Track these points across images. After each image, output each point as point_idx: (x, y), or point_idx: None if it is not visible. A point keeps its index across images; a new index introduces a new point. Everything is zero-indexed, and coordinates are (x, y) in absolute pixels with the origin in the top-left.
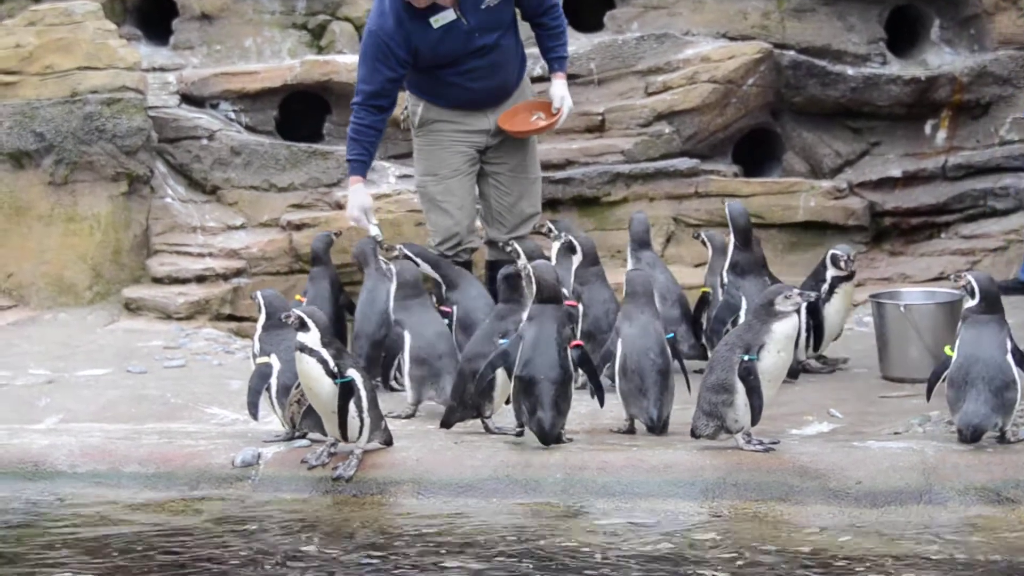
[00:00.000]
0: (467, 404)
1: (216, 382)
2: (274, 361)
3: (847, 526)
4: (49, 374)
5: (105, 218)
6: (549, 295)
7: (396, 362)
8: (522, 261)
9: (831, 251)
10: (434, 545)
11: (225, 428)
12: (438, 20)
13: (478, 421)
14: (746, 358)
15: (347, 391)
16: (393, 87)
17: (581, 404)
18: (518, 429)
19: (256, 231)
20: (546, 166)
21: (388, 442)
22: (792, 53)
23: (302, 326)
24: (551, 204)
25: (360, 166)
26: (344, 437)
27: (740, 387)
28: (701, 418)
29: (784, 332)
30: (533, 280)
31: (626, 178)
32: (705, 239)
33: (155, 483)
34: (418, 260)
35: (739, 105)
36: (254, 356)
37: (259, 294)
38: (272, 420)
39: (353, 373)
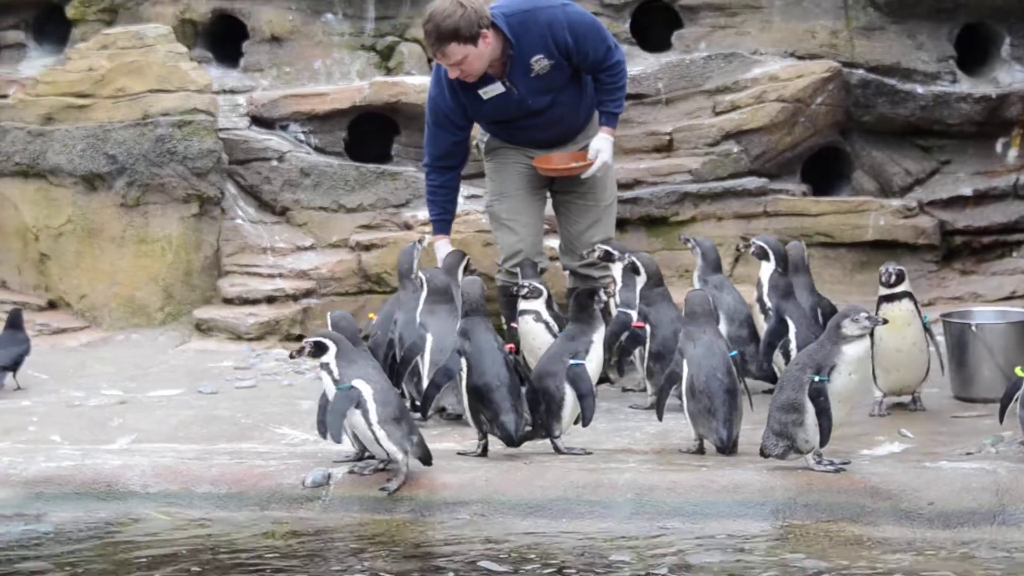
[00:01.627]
0: (536, 423)
1: (286, 402)
2: (360, 385)
3: (919, 547)
4: (121, 394)
5: (176, 239)
6: (475, 307)
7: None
8: (605, 282)
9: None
10: (508, 565)
11: (295, 448)
12: (487, 92)
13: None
14: (816, 379)
15: (344, 399)
16: (457, 147)
17: (650, 424)
18: (588, 451)
19: (325, 252)
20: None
21: (425, 459)
22: (861, 71)
23: (319, 350)
24: (619, 224)
25: (441, 225)
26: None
27: (810, 407)
28: (771, 438)
29: (855, 355)
30: (462, 293)
31: (694, 197)
32: (695, 244)
33: (226, 503)
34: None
35: (807, 124)
36: (335, 381)
37: (330, 315)
38: (343, 440)
39: (360, 384)
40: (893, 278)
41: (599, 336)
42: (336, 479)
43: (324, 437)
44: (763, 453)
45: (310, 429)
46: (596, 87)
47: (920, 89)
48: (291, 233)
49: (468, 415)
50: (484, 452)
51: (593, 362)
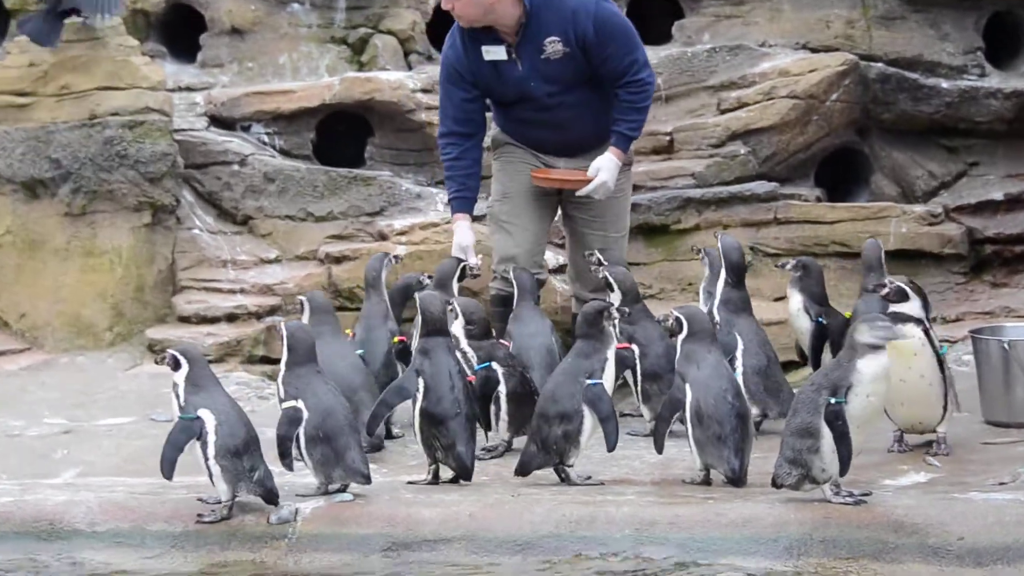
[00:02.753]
0: (549, 449)
1: None
2: (301, 405)
3: None
4: (66, 423)
5: (127, 252)
6: (436, 327)
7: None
8: (614, 296)
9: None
10: None
11: None
12: (489, 52)
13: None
14: (833, 401)
15: (187, 430)
16: (473, 109)
17: (650, 452)
18: (600, 480)
19: (292, 265)
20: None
21: (267, 497)
22: (880, 65)
23: (175, 365)
24: None
25: (461, 203)
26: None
27: (827, 432)
28: (784, 466)
29: (872, 372)
30: (421, 309)
31: (697, 204)
32: (705, 255)
33: (183, 543)
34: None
35: (822, 123)
36: (280, 400)
37: (283, 326)
38: (309, 473)
39: (205, 414)
40: (892, 295)
41: (612, 353)
42: (304, 515)
43: (290, 469)
44: (775, 483)
45: (275, 460)
46: (615, 104)
47: (945, 84)
48: (254, 244)
49: (419, 440)
50: (435, 479)
51: (607, 381)
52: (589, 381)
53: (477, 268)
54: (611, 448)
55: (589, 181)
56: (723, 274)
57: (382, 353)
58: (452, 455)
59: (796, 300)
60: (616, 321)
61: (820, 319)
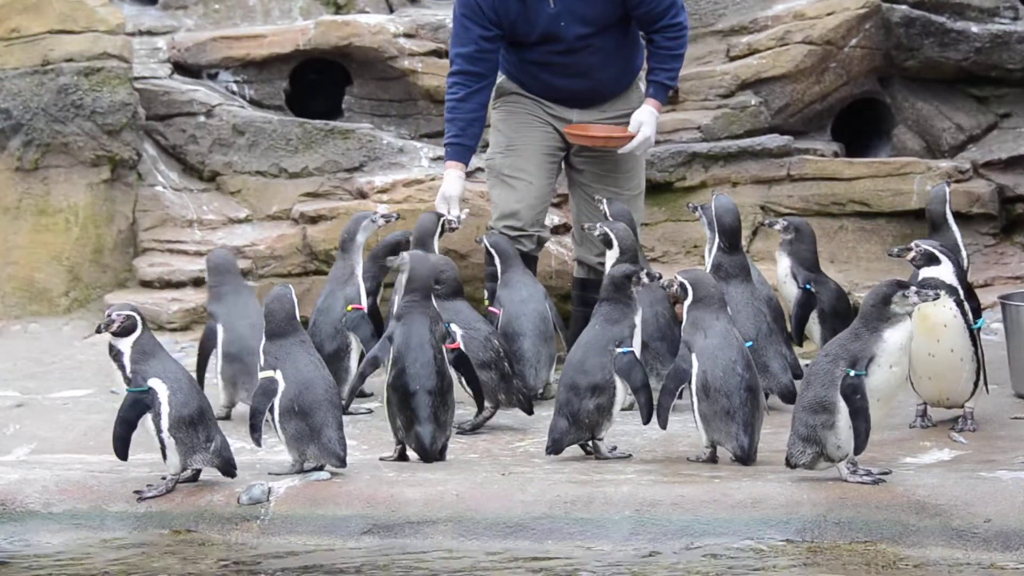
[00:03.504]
0: (581, 424)
1: (217, 404)
2: (279, 377)
3: (974, 573)
4: (18, 396)
5: (83, 210)
6: (418, 287)
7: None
8: (642, 271)
9: None
10: None
11: None
12: None
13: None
14: (851, 373)
15: (138, 405)
16: (490, 49)
17: (651, 428)
18: (628, 452)
19: (263, 225)
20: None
21: (224, 469)
22: (904, 7)
23: (127, 330)
24: None
25: (457, 150)
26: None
27: (843, 407)
28: (797, 444)
29: (898, 342)
30: (408, 269)
31: (704, 159)
32: (702, 213)
33: (145, 524)
34: (492, 250)
35: (840, 71)
36: (126, 379)
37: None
38: (283, 449)
39: (156, 384)
40: (919, 259)
41: (639, 320)
42: (278, 495)
43: (258, 444)
44: (788, 462)
45: (246, 436)
46: (649, 51)
47: (975, 28)
48: (222, 203)
49: (386, 413)
50: (402, 457)
51: (637, 350)
52: (620, 349)
53: (457, 221)
54: (647, 420)
55: (631, 138)
56: (716, 238)
57: (330, 321)
58: (411, 434)
59: (784, 264)
60: (642, 286)
61: (807, 286)
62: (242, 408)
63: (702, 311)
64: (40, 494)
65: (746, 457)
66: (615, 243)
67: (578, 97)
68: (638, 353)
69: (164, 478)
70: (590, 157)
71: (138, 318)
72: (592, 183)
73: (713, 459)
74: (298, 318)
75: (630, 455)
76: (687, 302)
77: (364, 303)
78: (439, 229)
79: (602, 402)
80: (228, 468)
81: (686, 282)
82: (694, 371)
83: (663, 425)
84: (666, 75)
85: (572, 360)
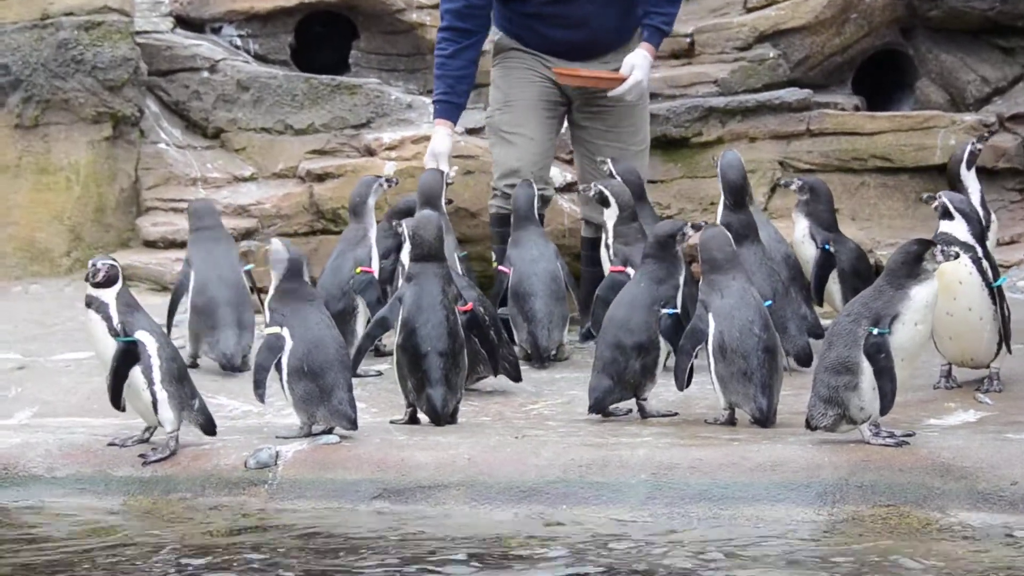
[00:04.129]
0: (626, 384)
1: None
2: (286, 334)
3: (1001, 536)
4: (20, 359)
5: (85, 168)
6: (428, 251)
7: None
8: (688, 228)
9: None
10: (492, 563)
11: (235, 422)
12: None
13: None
14: (875, 331)
15: (129, 355)
16: (480, 5)
17: (667, 389)
18: (674, 412)
19: (269, 183)
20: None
21: (207, 427)
22: None
23: (111, 280)
24: None
25: (445, 108)
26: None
27: (866, 367)
28: (818, 405)
29: (924, 299)
30: (407, 233)
31: (721, 114)
32: (715, 163)
33: (151, 489)
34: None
35: (861, 21)
36: (265, 326)
37: (274, 242)
38: (292, 412)
39: (144, 336)
40: (940, 211)
41: (683, 279)
42: (286, 459)
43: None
44: (809, 424)
45: (253, 399)
46: None
47: None
48: (226, 160)
49: (396, 376)
50: (412, 420)
51: (681, 308)
52: (665, 310)
53: (450, 178)
54: (682, 385)
55: (622, 80)
56: (721, 196)
57: (337, 283)
58: (422, 396)
59: (801, 225)
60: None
61: (826, 246)
62: (208, 363)
63: (718, 272)
64: (43, 458)
65: (765, 419)
66: (612, 201)
67: (577, 49)
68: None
69: (139, 440)
70: (593, 112)
71: (119, 269)
72: (595, 139)
73: (732, 421)
74: (307, 276)
75: (676, 413)
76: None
77: (375, 266)
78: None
79: (647, 362)
80: (210, 426)
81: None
82: (711, 331)
83: (681, 387)
84: (661, 19)
85: (616, 318)
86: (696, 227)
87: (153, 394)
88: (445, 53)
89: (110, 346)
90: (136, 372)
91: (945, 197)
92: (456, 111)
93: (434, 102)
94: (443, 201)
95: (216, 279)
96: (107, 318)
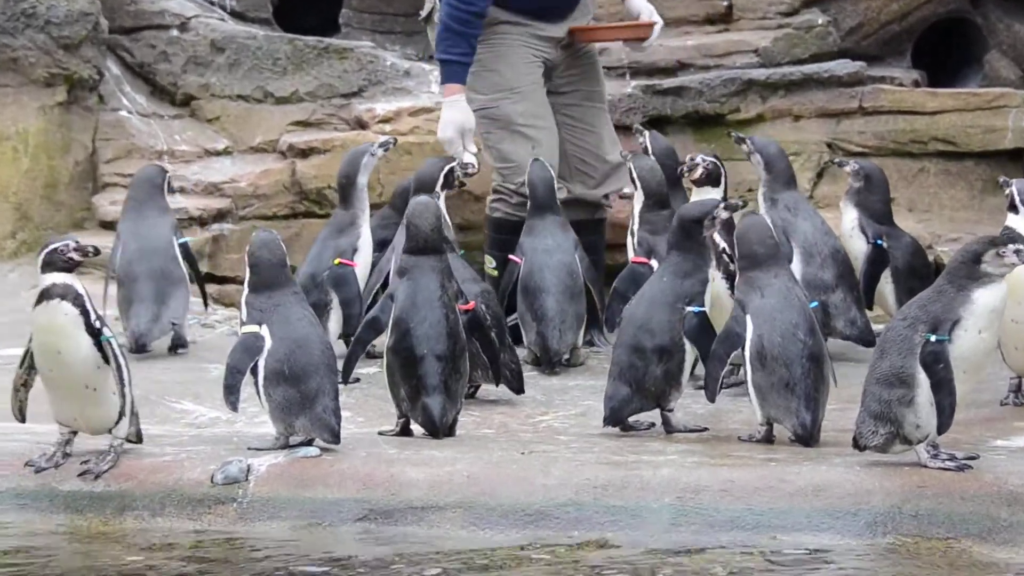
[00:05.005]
0: (646, 392)
1: (189, 367)
2: (264, 333)
3: None
4: None
5: (34, 138)
6: (425, 243)
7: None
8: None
9: None
10: None
11: (202, 431)
12: None
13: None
14: (932, 338)
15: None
16: None
17: (695, 401)
18: (705, 427)
19: (245, 158)
20: (648, 70)
21: (139, 436)
22: None
23: (66, 264)
24: (656, 123)
25: (463, 71)
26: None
27: (923, 379)
28: (868, 422)
29: (989, 304)
30: (407, 221)
31: (761, 88)
32: (753, 148)
33: (103, 507)
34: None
35: None
36: (241, 324)
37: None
38: (267, 419)
39: (108, 332)
40: (1007, 202)
41: (713, 271)
42: (258, 474)
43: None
44: (857, 444)
45: (222, 404)
46: None
47: None
48: (197, 131)
49: (386, 382)
50: (404, 431)
51: (708, 305)
52: (691, 309)
53: (473, 167)
54: (712, 396)
55: (651, 27)
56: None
57: (312, 273)
58: (417, 405)
59: (850, 216)
60: (720, 220)
61: (879, 241)
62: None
63: (759, 268)
64: None
65: (808, 436)
66: (638, 182)
67: (564, 5)
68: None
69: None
70: (575, 76)
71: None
72: (581, 102)
73: (769, 438)
74: (288, 267)
75: (705, 428)
76: (737, 257)
77: (363, 259)
78: (443, 179)
79: (671, 368)
80: (140, 434)
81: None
82: (748, 335)
83: (711, 398)
84: None
85: (634, 317)
86: (730, 207)
87: (124, 398)
88: (474, 10)
89: (83, 345)
90: (108, 373)
91: (1016, 186)
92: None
93: (451, 62)
94: (441, 196)
95: (137, 250)
96: (85, 312)
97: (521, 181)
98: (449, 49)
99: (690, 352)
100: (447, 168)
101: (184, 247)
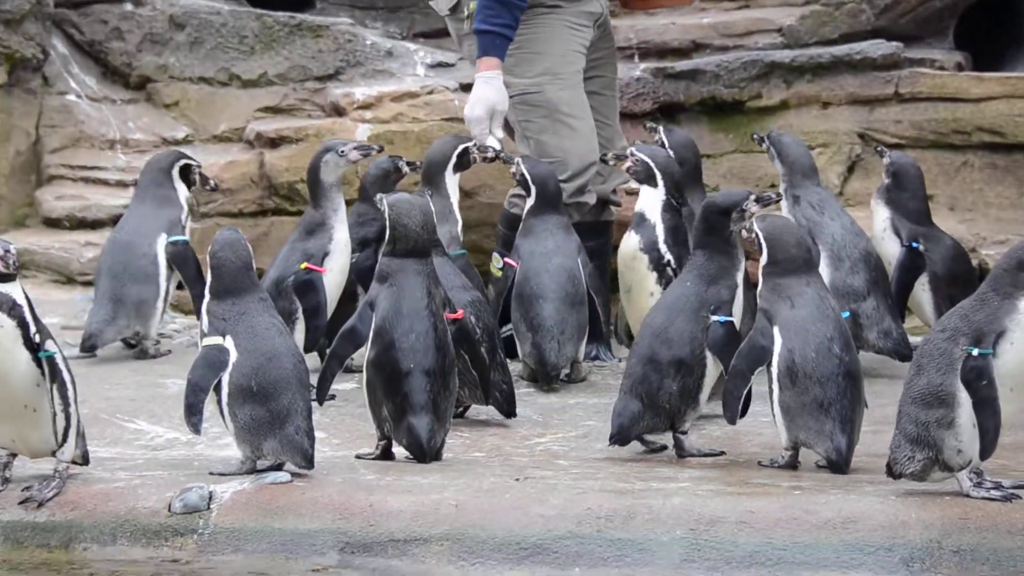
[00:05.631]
0: (659, 409)
1: (144, 382)
2: (229, 345)
3: None
4: None
5: None
6: (415, 245)
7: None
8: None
9: None
10: None
11: (158, 453)
12: None
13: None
14: (975, 352)
15: (51, 372)
16: None
17: (711, 422)
18: (721, 451)
19: (208, 148)
20: (659, 51)
21: (85, 458)
22: None
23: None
24: (667, 111)
25: (503, 45)
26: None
27: (965, 398)
28: (903, 446)
29: None
30: (388, 221)
31: (785, 71)
32: (772, 144)
33: (47, 538)
34: (532, 184)
35: None
36: (202, 335)
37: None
38: (231, 441)
39: (52, 346)
40: None
41: (742, 274)
42: (222, 502)
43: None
44: (891, 470)
45: (180, 423)
46: None
47: None
48: (154, 118)
49: (365, 400)
50: (385, 455)
51: (737, 318)
52: (715, 318)
53: (493, 151)
54: (734, 417)
55: None
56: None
57: (277, 279)
58: (402, 427)
59: (882, 216)
60: (750, 214)
61: (914, 243)
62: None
63: (787, 275)
64: None
65: (842, 462)
66: (658, 176)
67: None
68: (738, 319)
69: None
70: (599, 60)
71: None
72: (602, 90)
73: (793, 464)
74: (254, 270)
75: (722, 452)
76: (763, 260)
77: (337, 264)
78: (456, 159)
79: (689, 384)
80: (87, 456)
81: (761, 233)
82: (776, 350)
83: (732, 420)
84: None
85: (652, 325)
86: (763, 200)
87: (68, 417)
88: None
89: (21, 360)
90: (47, 392)
91: None
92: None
93: (494, 33)
94: (446, 177)
95: (112, 243)
96: (23, 324)
97: (564, 178)
98: (490, 19)
99: (712, 367)
100: (461, 147)
101: (174, 246)
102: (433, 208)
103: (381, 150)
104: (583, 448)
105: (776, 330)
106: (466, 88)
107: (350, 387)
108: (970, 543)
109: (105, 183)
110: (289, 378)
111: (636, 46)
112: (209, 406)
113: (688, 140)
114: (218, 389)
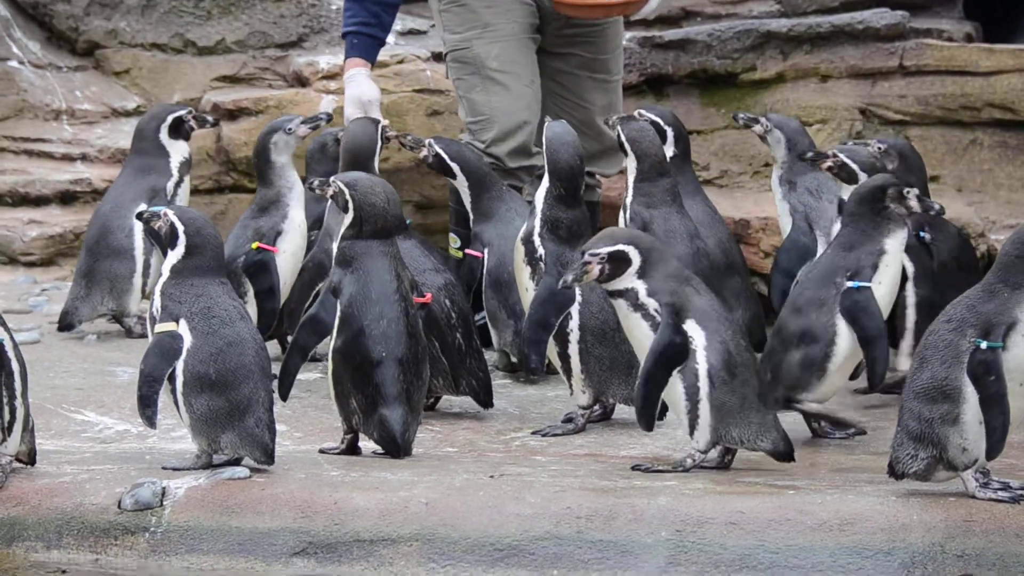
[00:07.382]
0: (771, 382)
1: (92, 369)
2: (183, 330)
3: None
4: None
5: None
6: (383, 226)
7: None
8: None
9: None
10: None
11: (107, 446)
12: None
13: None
14: (983, 345)
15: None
16: None
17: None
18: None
19: None
20: (648, 21)
21: (32, 456)
22: None
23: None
24: (655, 83)
25: (364, 44)
26: None
27: (971, 393)
28: (906, 444)
29: None
30: (351, 203)
31: (782, 41)
32: (768, 126)
33: None
34: (452, 164)
35: None
36: (152, 320)
37: (169, 213)
38: (186, 433)
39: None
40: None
41: (896, 244)
42: (176, 498)
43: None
44: (893, 470)
45: (131, 414)
46: None
47: None
48: (103, 87)
49: (331, 392)
50: (351, 449)
51: (885, 286)
52: (850, 283)
53: (388, 131)
54: (875, 385)
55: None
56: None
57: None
58: (373, 419)
59: None
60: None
61: (920, 233)
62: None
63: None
64: None
65: (792, 451)
66: (629, 149)
67: None
68: (886, 292)
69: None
70: (574, 37)
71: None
72: (575, 70)
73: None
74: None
75: (864, 431)
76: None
77: (291, 244)
78: (382, 141)
79: (813, 353)
80: (35, 454)
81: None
82: (701, 343)
83: (875, 386)
84: None
85: (792, 299)
86: (926, 205)
87: (14, 410)
88: None
89: None
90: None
91: None
92: (376, 48)
93: (349, 34)
94: (376, 162)
95: (96, 215)
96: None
97: (492, 138)
98: (348, 20)
99: (845, 336)
100: (380, 126)
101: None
102: None
103: (331, 119)
104: (563, 443)
105: (692, 323)
106: (438, 58)
107: (314, 377)
108: (975, 547)
109: (50, 156)
110: (250, 367)
111: None
112: (164, 395)
113: (668, 111)
114: (172, 378)
